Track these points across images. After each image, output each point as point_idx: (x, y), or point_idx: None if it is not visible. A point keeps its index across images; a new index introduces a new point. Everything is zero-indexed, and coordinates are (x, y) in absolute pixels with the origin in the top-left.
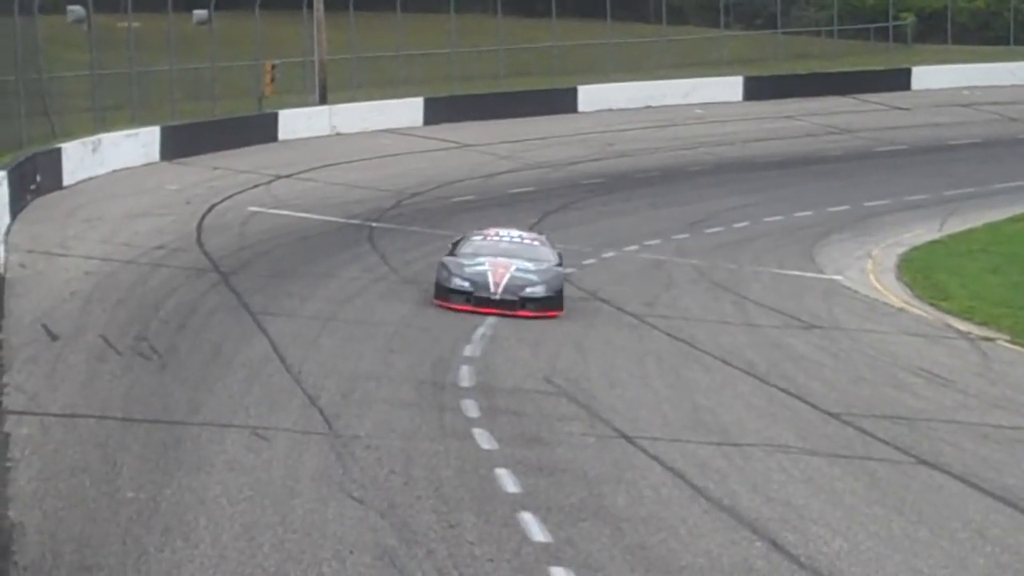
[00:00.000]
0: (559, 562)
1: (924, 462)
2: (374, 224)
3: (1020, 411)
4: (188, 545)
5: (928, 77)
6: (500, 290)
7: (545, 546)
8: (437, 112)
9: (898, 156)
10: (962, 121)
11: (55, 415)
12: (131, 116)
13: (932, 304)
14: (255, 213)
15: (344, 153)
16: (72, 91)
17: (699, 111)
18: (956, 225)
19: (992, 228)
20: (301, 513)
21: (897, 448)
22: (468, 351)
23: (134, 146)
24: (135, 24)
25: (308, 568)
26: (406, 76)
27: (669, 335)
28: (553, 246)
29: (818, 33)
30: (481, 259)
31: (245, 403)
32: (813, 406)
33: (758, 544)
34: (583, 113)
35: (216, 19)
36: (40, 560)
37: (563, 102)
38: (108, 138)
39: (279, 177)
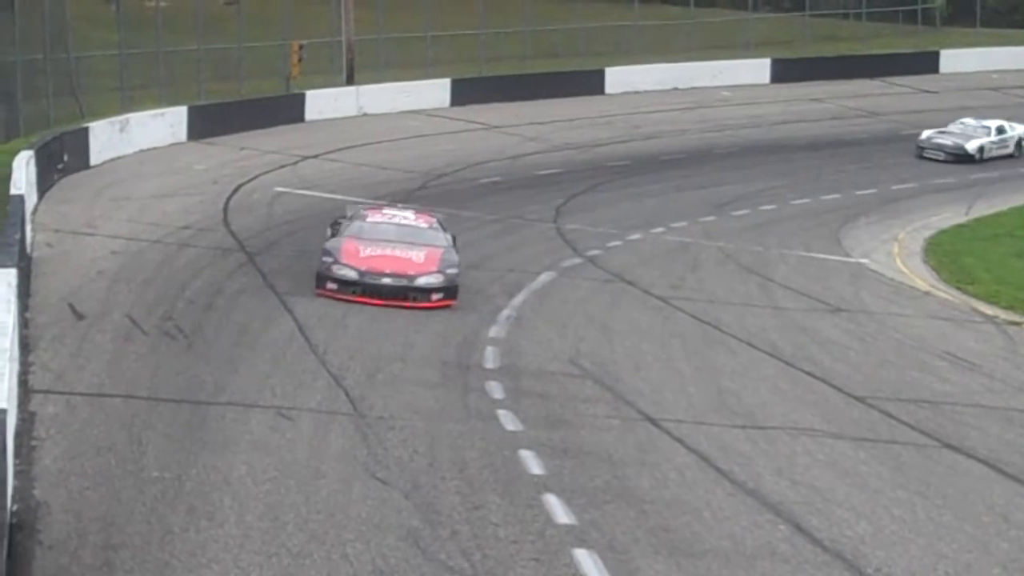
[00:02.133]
0: (583, 544)
1: (949, 446)
2: (401, 205)
3: None
4: (213, 525)
5: (956, 60)
6: None
7: (569, 528)
8: (464, 93)
9: None
10: (990, 104)
11: (81, 394)
12: (158, 96)
13: (958, 288)
14: (281, 193)
15: (371, 134)
16: (100, 70)
17: (726, 93)
18: (982, 209)
19: (1019, 212)
20: (325, 494)
21: (922, 432)
22: (493, 332)
23: (161, 126)
24: (163, 4)
25: (332, 548)
26: (433, 57)
27: (695, 318)
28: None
29: (846, 16)
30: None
31: (270, 383)
32: (838, 389)
33: (782, 527)
34: (610, 95)
35: None
36: (65, 539)
37: (590, 84)
38: (135, 118)
39: (306, 158)
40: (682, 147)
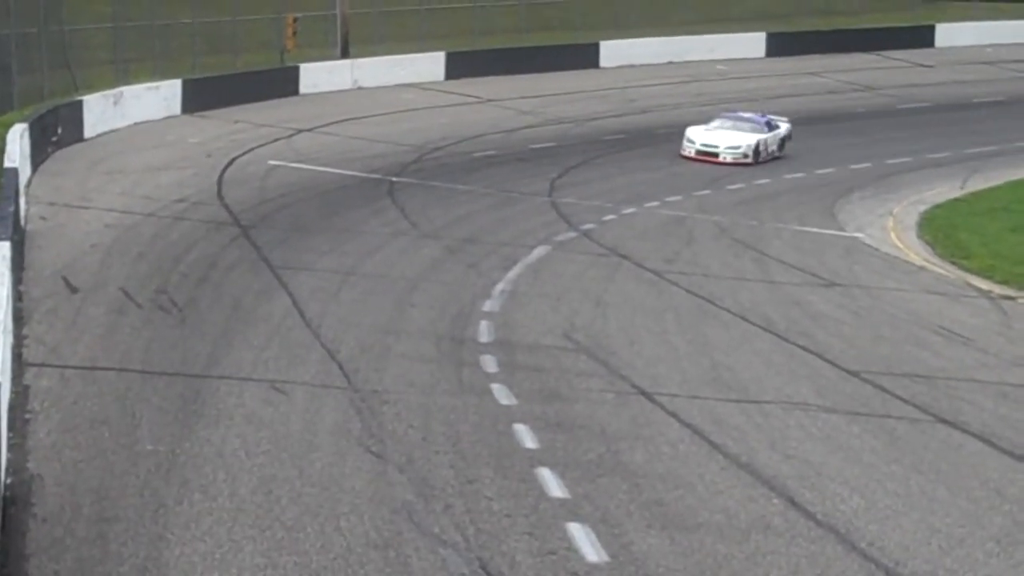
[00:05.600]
0: (576, 518)
1: (943, 420)
2: (395, 178)
3: None
4: (206, 498)
5: (952, 34)
6: None
7: (562, 502)
8: (459, 67)
9: (921, 113)
10: (985, 79)
11: (75, 367)
12: (153, 69)
13: (953, 262)
14: (276, 167)
15: (365, 107)
16: (94, 43)
17: (721, 67)
18: (978, 183)
19: (1014, 186)
20: (319, 467)
21: (916, 406)
22: (487, 306)
23: (155, 99)
24: None
25: (326, 522)
26: (428, 30)
27: (689, 291)
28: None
29: None
30: None
31: (264, 357)
32: (832, 363)
33: (776, 501)
34: (605, 68)
35: None
36: (59, 511)
37: (585, 57)
38: (129, 91)
39: (300, 131)
40: (677, 121)
